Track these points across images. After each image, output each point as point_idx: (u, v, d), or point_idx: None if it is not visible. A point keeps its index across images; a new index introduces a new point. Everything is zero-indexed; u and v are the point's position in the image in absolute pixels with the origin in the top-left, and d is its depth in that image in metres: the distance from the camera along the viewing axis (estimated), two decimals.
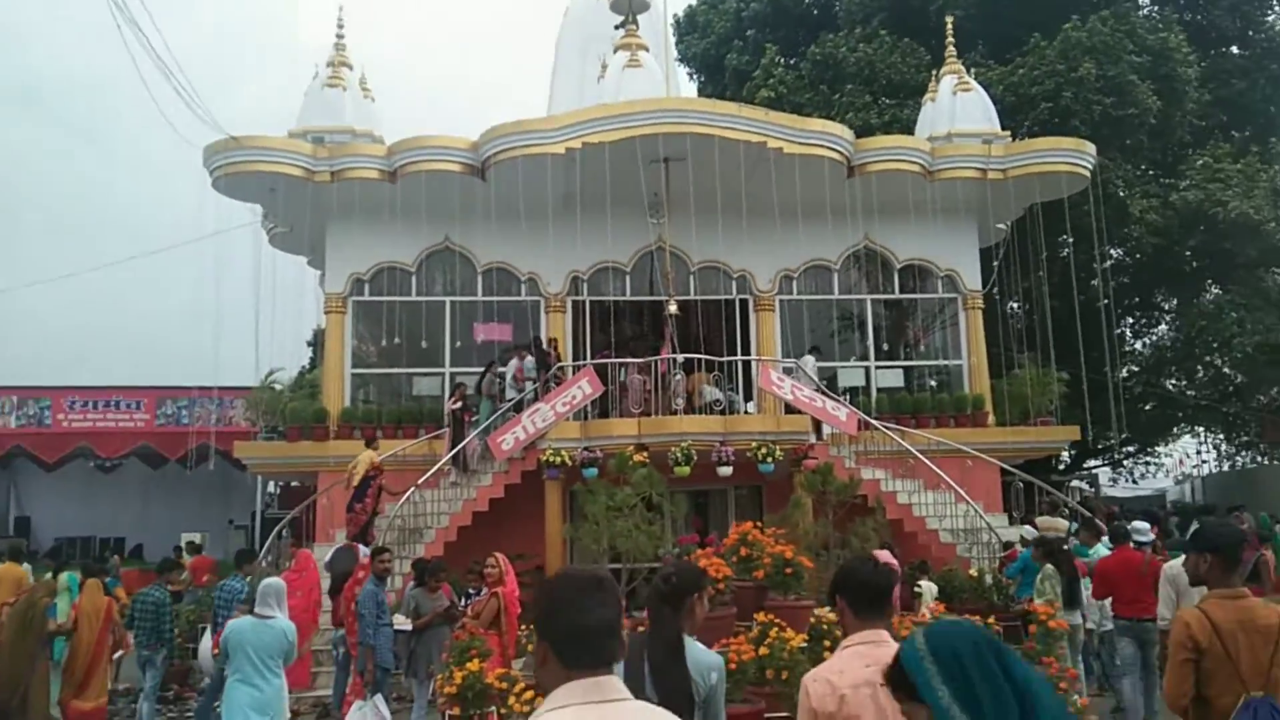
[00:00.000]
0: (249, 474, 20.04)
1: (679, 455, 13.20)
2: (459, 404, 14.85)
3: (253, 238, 18.14)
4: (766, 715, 6.62)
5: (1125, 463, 31.15)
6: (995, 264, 18.68)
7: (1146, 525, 11.27)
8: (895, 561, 9.25)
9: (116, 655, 10.17)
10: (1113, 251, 23.77)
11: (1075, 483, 26.51)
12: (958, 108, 18.25)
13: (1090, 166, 17.02)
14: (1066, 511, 14.86)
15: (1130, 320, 27.28)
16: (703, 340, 16.21)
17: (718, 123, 15.10)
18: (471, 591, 10.72)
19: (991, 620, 8.61)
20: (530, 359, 15.26)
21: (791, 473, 13.50)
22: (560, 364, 15.52)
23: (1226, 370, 25.11)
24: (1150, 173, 24.21)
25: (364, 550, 11.24)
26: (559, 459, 13.57)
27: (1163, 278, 24.91)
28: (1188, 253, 23.46)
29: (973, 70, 20.56)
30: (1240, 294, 22.90)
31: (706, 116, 15.26)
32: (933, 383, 18.60)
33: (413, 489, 13.52)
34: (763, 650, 6.98)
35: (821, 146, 15.57)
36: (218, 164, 15.62)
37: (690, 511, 15.01)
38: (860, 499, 12.83)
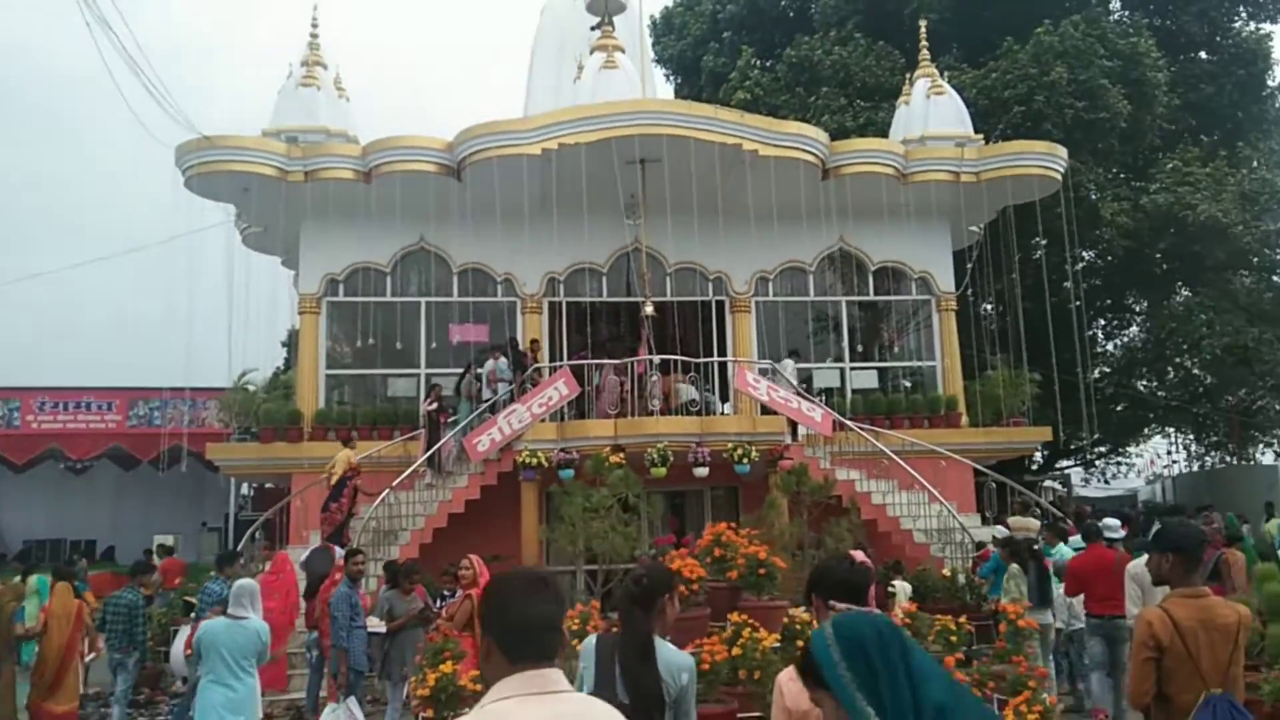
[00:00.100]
0: (222, 476, 19.88)
1: (655, 456, 13.23)
2: (435, 405, 14.81)
3: (226, 238, 18.04)
4: (739, 715, 6.66)
5: (1097, 463, 31.52)
6: (968, 266, 18.86)
7: (1117, 522, 11.42)
8: (869, 562, 9.31)
9: (89, 658, 10.07)
10: (1084, 254, 24.06)
11: (1048, 483, 26.77)
12: (931, 111, 18.40)
13: (1062, 170, 17.21)
14: (1038, 512, 15.02)
15: (1102, 322, 27.59)
16: (679, 341, 16.25)
17: (694, 125, 15.14)
18: (446, 593, 10.69)
19: (964, 620, 8.70)
20: (503, 360, 15.23)
21: (767, 473, 13.58)
22: (537, 365, 15.52)
23: (1196, 371, 25.47)
24: (1121, 176, 24.51)
25: (340, 552, 11.20)
26: (535, 460, 13.57)
27: (1133, 280, 25.23)
28: (1158, 255, 23.77)
29: (946, 74, 20.74)
30: (1209, 296, 23.24)
31: (682, 118, 15.30)
32: (907, 384, 18.74)
33: (387, 490, 13.47)
34: (736, 650, 7.01)
35: (797, 149, 15.65)
36: (190, 163, 15.50)
37: (667, 512, 15.08)
38: (835, 499, 12.94)
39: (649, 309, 15.35)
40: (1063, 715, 9.54)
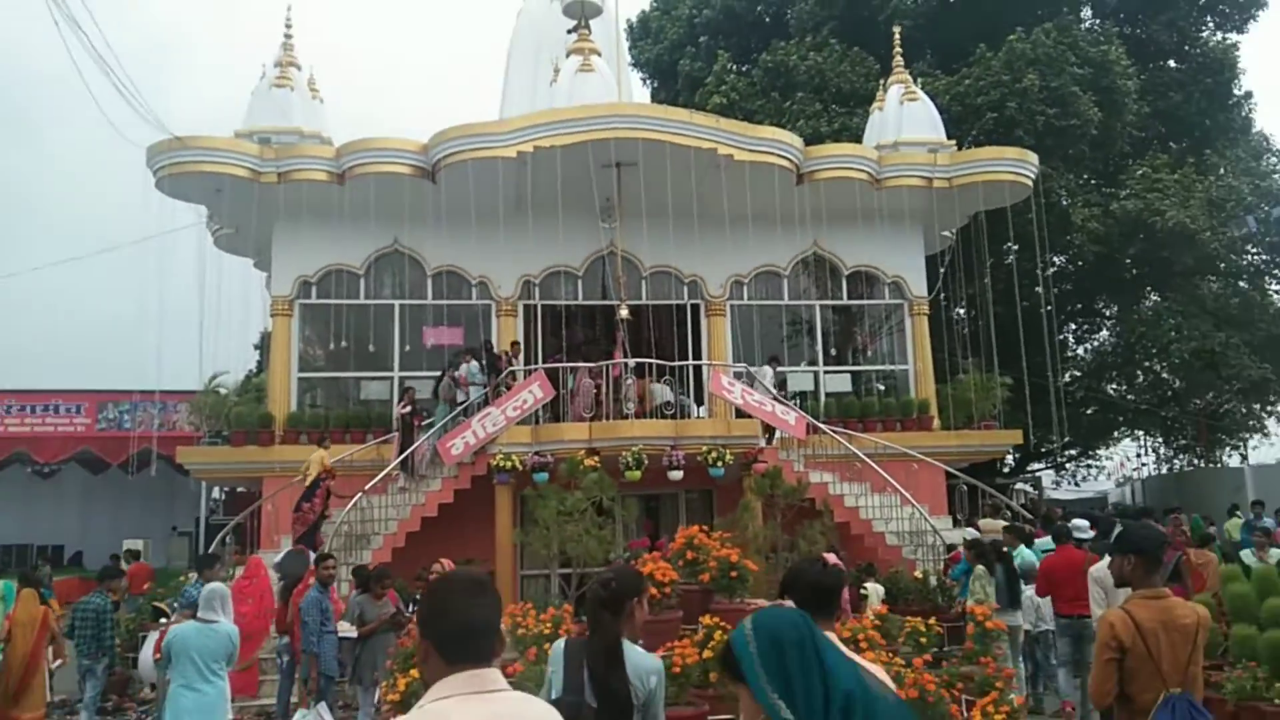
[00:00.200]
0: (193, 480, 19.70)
1: (630, 459, 13.22)
2: (408, 408, 14.74)
3: (198, 239, 17.88)
4: (710, 718, 6.68)
5: (1067, 466, 31.84)
6: (941, 271, 19.01)
7: (1086, 523, 11.57)
8: (842, 564, 9.37)
9: (54, 665, 9.94)
10: (1055, 259, 24.34)
11: (1019, 486, 27.02)
12: (905, 117, 18.54)
13: (1033, 176, 17.40)
14: (1009, 514, 15.16)
15: (1072, 326, 27.88)
16: (654, 345, 16.26)
17: (669, 129, 15.18)
18: (418, 598, 10.66)
19: (934, 621, 8.77)
20: (474, 364, 15.16)
21: (741, 476, 13.61)
22: (512, 369, 15.48)
23: (1165, 375, 25.81)
24: (1092, 182, 24.80)
25: (314, 555, 11.12)
26: (510, 464, 13.54)
27: (1103, 285, 25.53)
28: (1127, 260, 24.07)
29: (920, 80, 20.91)
30: (1177, 301, 23.57)
31: (658, 122, 15.32)
32: (880, 387, 18.86)
33: (360, 494, 13.40)
34: (707, 653, 7.04)
35: (771, 154, 15.72)
36: (161, 164, 15.35)
37: (641, 515, 15.06)
38: (809, 502, 12.99)
39: (624, 312, 15.35)
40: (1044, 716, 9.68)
